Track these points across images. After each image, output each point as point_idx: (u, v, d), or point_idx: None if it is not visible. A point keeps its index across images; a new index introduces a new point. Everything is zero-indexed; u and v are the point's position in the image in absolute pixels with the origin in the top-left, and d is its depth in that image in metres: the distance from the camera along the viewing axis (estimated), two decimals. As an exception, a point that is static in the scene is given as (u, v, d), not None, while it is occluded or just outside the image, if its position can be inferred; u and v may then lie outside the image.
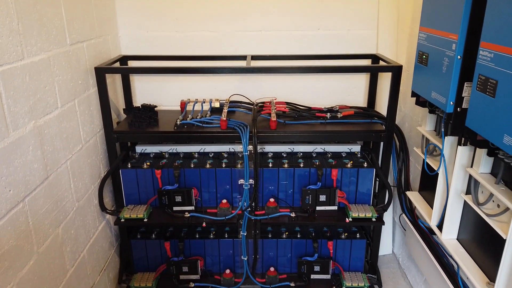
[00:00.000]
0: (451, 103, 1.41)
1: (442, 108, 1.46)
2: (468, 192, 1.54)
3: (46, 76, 1.53)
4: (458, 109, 1.40)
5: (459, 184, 1.55)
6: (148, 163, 2.10)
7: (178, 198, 2.05)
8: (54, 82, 1.59)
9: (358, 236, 2.21)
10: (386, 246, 2.54)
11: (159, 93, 2.40)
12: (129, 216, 2.04)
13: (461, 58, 1.35)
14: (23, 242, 1.37)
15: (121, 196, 2.12)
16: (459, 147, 1.49)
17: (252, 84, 2.37)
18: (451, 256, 1.65)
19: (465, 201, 1.55)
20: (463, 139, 1.47)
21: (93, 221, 1.97)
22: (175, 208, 2.07)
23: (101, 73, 1.91)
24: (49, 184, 1.54)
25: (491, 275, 1.40)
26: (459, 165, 1.51)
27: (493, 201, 1.38)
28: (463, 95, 1.38)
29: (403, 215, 2.14)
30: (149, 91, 2.40)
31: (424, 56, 1.60)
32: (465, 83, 1.36)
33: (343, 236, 2.20)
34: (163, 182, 2.08)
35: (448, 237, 1.65)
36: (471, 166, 1.48)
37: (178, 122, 2.06)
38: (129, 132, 2.05)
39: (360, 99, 2.39)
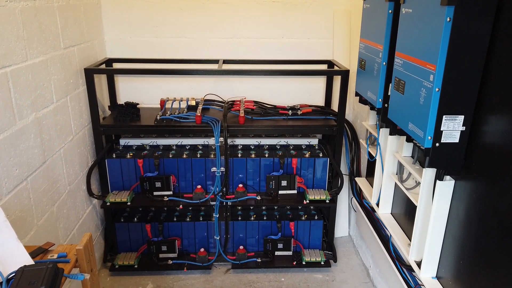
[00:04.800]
0: (380, 100, 1.75)
1: (374, 104, 1.81)
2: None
3: (44, 75, 1.79)
4: (386, 105, 1.74)
5: (390, 167, 1.89)
6: (131, 154, 2.38)
7: (158, 184, 2.33)
8: (50, 80, 1.85)
9: (316, 218, 2.54)
10: (343, 229, 2.88)
11: (141, 92, 2.68)
12: (114, 200, 2.30)
13: (386, 64, 1.69)
14: (26, 214, 1.63)
15: (107, 183, 2.38)
16: (389, 136, 1.84)
17: (225, 85, 2.68)
18: (386, 227, 1.99)
19: (395, 181, 1.90)
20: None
21: (82, 204, 2.23)
22: (155, 193, 2.35)
23: (89, 73, 2.18)
24: (47, 167, 1.80)
25: (411, 238, 1.74)
26: (390, 151, 1.86)
27: (412, 178, 1.73)
28: (388, 94, 1.72)
29: (353, 198, 2.49)
30: (132, 90, 2.68)
31: (362, 62, 1.95)
32: (390, 84, 1.71)
33: (303, 218, 2.52)
34: (144, 171, 2.36)
35: (384, 212, 2.00)
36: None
37: (158, 117, 2.35)
38: (115, 125, 2.32)
39: (319, 99, 2.73)
